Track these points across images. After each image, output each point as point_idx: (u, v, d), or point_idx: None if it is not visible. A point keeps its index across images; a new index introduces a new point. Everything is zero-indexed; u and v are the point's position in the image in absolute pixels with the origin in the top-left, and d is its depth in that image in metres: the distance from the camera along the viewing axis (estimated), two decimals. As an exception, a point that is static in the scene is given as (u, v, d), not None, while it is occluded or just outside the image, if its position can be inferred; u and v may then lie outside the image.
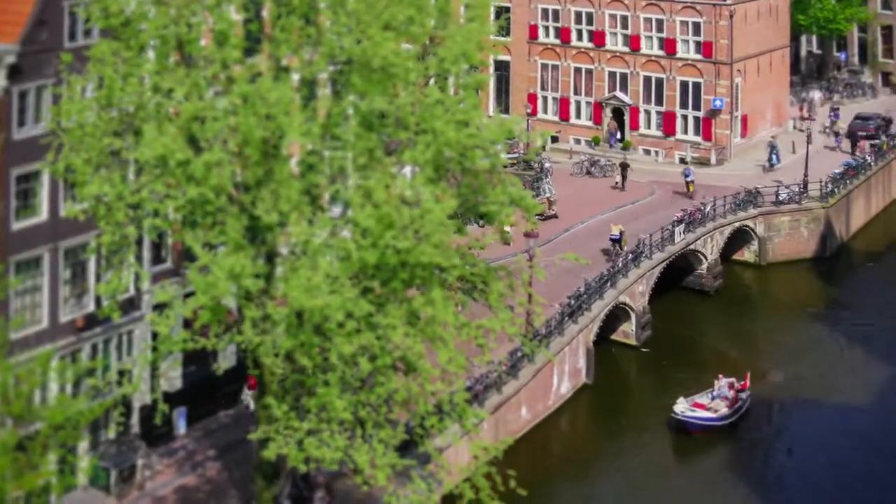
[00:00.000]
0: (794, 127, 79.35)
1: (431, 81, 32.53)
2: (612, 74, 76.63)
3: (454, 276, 30.31)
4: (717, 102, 72.87)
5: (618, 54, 76.30)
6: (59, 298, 35.89)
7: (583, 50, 77.49)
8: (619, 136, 75.42)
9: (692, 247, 59.99)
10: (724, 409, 47.00)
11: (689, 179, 67.14)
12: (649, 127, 75.71)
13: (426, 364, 29.50)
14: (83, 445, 36.09)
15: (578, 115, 78.27)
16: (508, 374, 44.85)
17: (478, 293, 31.98)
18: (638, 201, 66.06)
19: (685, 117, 74.45)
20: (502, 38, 77.16)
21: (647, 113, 75.74)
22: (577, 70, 77.94)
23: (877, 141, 75.80)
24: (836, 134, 78.42)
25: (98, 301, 36.19)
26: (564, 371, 48.90)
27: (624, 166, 68.54)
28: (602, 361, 51.55)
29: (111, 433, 37.42)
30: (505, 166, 36.61)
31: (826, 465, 44.94)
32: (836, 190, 67.91)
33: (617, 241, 56.94)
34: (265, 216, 28.61)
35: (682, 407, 46.91)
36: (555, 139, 76.82)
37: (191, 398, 40.15)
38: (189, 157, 28.63)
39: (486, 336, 30.75)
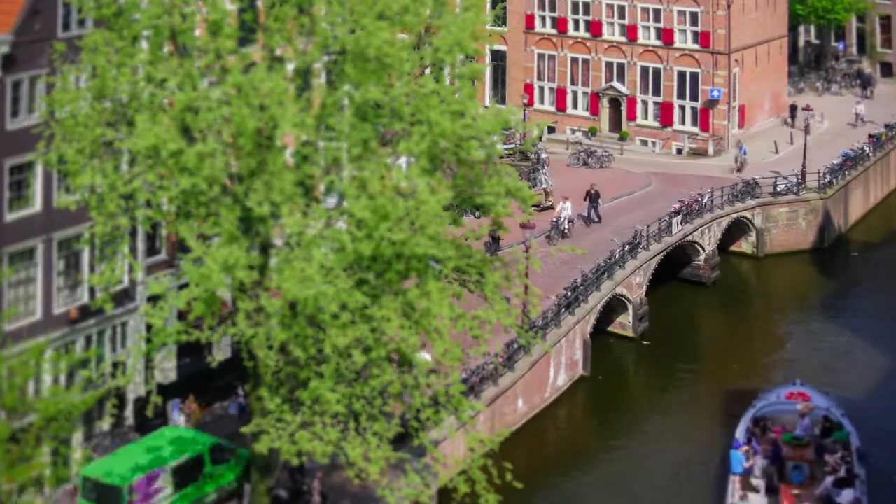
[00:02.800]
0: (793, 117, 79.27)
1: (427, 71, 32.31)
2: (609, 64, 76.45)
3: (450, 268, 30.16)
4: (715, 93, 72.73)
5: (615, 44, 76.11)
6: (53, 290, 35.77)
7: (579, 40, 77.31)
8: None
9: (690, 238, 59.85)
10: None
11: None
12: (646, 117, 75.56)
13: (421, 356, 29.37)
14: (77, 437, 35.95)
15: (575, 106, 78.10)
16: (505, 366, 44.73)
17: (473, 284, 31.81)
18: (634, 192, 65.91)
19: (683, 108, 74.30)
20: (498, 28, 77.00)
21: (645, 103, 75.58)
22: (574, 60, 77.76)
23: None
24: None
25: (92, 292, 36.07)
26: (561, 363, 48.80)
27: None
28: (599, 353, 51.44)
29: (105, 425, 37.28)
30: (501, 157, 36.40)
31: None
32: (834, 181, 67.78)
33: None
34: (257, 207, 28.46)
35: None
36: (551, 129, 76.72)
37: (185, 390, 40.01)
38: (182, 147, 28.45)
39: (481, 327, 30.58)
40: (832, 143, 74.29)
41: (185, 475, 34.85)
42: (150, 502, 33.65)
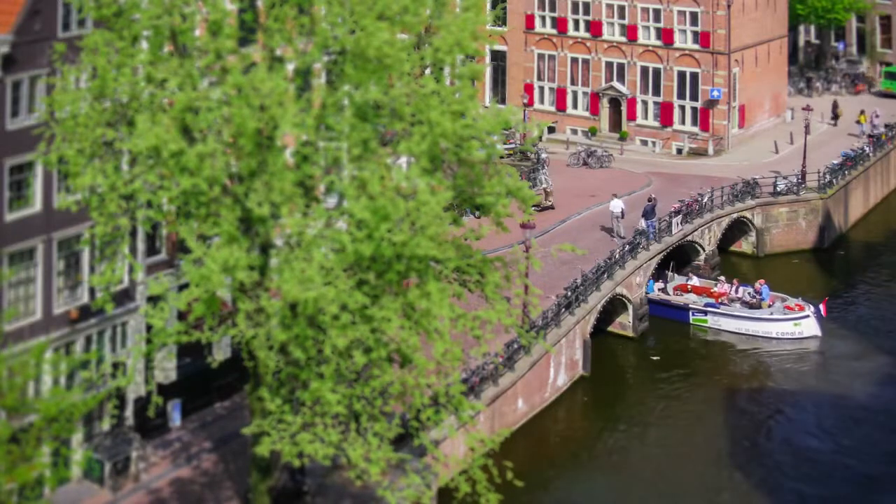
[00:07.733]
0: (792, 117, 79.22)
1: (427, 71, 32.32)
2: (609, 65, 76.47)
3: (450, 268, 30.15)
4: (715, 93, 72.74)
5: (615, 44, 76.13)
6: (53, 290, 35.72)
7: (580, 40, 77.32)
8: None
9: (690, 238, 59.87)
10: None
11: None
12: (647, 117, 75.56)
13: (421, 357, 29.36)
14: (77, 438, 35.93)
15: (575, 106, 78.12)
16: (505, 366, 44.72)
17: (474, 284, 31.80)
18: (634, 192, 65.88)
19: (683, 108, 74.31)
20: (498, 28, 77.02)
21: (645, 103, 75.59)
22: (574, 60, 77.79)
23: None
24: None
25: (92, 292, 36.03)
26: (561, 363, 48.79)
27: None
28: (599, 353, 51.44)
29: (105, 425, 37.26)
30: (501, 157, 36.39)
31: (820, 453, 44.89)
32: (834, 181, 67.75)
33: None
34: (257, 208, 28.46)
35: None
36: (552, 130, 76.70)
37: (186, 390, 40.00)
38: (182, 147, 28.46)
39: (482, 328, 30.60)
40: (832, 143, 74.27)
41: None
42: None
